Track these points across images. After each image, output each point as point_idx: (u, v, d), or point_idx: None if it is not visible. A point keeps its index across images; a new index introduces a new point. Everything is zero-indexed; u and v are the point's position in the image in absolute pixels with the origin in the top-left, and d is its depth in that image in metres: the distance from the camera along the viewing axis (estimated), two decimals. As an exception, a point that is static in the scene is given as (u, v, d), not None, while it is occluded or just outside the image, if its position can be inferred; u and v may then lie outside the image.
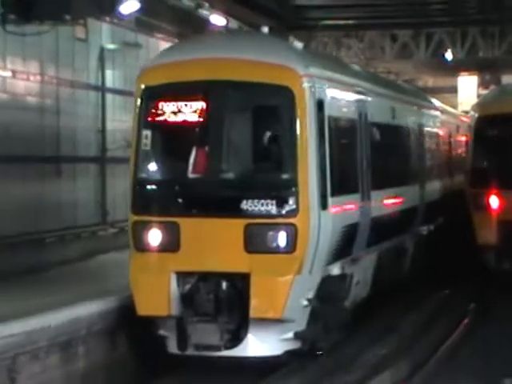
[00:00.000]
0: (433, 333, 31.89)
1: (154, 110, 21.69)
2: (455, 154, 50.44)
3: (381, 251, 30.09)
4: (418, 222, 37.00)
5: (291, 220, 20.24)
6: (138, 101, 22.20)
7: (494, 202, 38.17)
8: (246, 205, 20.18)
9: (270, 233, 20.22)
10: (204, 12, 39.20)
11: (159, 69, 22.45)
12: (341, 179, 23.79)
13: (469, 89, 65.81)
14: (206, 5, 37.57)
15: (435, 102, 48.74)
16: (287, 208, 20.25)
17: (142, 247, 21.38)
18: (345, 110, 25.19)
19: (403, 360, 27.34)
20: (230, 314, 20.54)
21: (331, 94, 23.21)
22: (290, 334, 21.23)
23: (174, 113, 21.42)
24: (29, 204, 32.93)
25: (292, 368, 25.97)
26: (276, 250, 20.31)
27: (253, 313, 19.75)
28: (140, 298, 20.86)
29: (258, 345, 20.91)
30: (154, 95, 21.83)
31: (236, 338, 20.78)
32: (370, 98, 28.40)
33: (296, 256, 20.35)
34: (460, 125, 52.68)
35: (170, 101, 21.45)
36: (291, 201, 20.26)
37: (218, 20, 39.80)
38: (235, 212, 20.60)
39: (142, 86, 22.12)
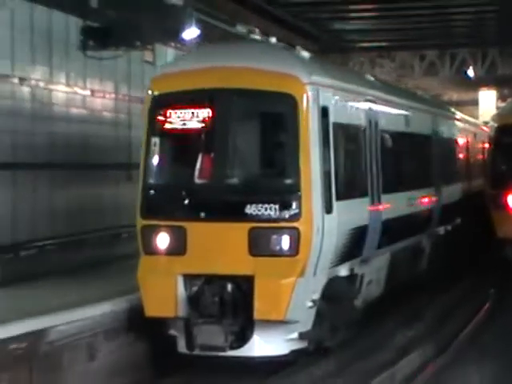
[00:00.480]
0: (457, 318, 31.44)
1: (162, 118, 20.69)
2: (475, 159, 49.22)
3: (394, 251, 28.56)
4: (434, 223, 35.10)
5: (294, 224, 19.11)
6: (147, 109, 21.30)
7: None
8: (250, 209, 19.14)
9: (274, 236, 19.10)
10: (255, 37, 37.24)
11: (167, 78, 21.46)
12: (347, 184, 22.62)
13: (488, 102, 65.68)
14: (257, 30, 36.56)
15: (456, 112, 47.00)
16: (290, 212, 19.12)
17: (150, 250, 20.36)
18: (352, 117, 23.54)
19: (430, 343, 27.19)
20: (235, 316, 19.46)
21: (337, 101, 21.76)
22: (295, 335, 20.00)
23: (181, 120, 20.42)
24: (106, 204, 34.13)
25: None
26: (279, 253, 19.14)
27: (257, 314, 18.76)
28: (148, 299, 19.96)
29: (264, 345, 19.81)
30: (162, 103, 20.84)
31: (242, 339, 19.71)
32: (381, 107, 26.92)
33: (299, 259, 19.13)
34: (479, 133, 52.16)
35: (177, 108, 20.46)
36: (294, 205, 19.15)
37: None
38: (240, 216, 19.46)
39: (151, 95, 21.22)
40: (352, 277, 23.29)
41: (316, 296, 19.83)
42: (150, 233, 20.08)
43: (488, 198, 39.59)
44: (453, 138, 42.39)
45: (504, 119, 41.23)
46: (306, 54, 21.87)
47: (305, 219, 18.80)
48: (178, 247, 19.66)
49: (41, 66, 29.35)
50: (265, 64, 19.94)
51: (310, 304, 19.53)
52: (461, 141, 46.13)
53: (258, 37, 36.48)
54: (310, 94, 19.53)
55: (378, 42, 52.26)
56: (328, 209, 19.80)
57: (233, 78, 19.97)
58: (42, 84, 29.31)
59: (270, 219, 18.97)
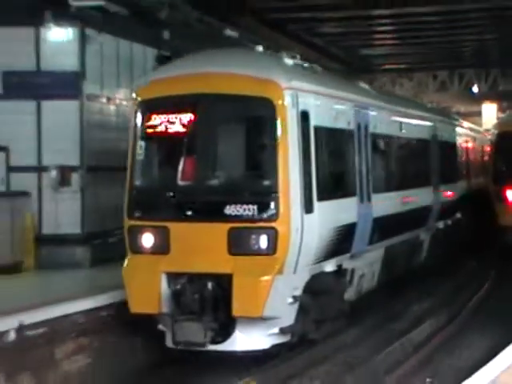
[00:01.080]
0: (465, 292, 31.46)
1: (147, 122, 18.78)
2: (479, 159, 49.01)
3: (389, 245, 26.20)
4: (433, 218, 32.63)
5: (272, 224, 17.21)
6: (134, 113, 19.45)
7: (511, 195, 38.66)
8: (229, 210, 17.36)
9: (252, 236, 17.25)
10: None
11: (153, 84, 19.36)
12: (331, 185, 20.56)
13: (490, 113, 65.44)
14: (298, 56, 32.37)
15: (459, 120, 45.58)
16: (268, 213, 17.29)
17: (136, 249, 18.48)
18: (338, 121, 20.90)
19: (440, 314, 27.25)
20: (215, 313, 17.51)
21: (319, 105, 19.44)
22: (276, 330, 17.99)
23: (165, 124, 18.50)
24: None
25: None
26: (257, 252, 17.20)
27: (235, 311, 16.96)
28: (133, 296, 18.18)
29: (245, 340, 17.89)
30: (147, 108, 18.89)
31: (223, 335, 17.88)
32: (373, 112, 24.47)
33: (276, 258, 17.20)
34: (482, 138, 52.66)
35: (161, 113, 18.55)
36: (272, 206, 17.27)
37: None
38: (219, 217, 17.58)
39: (137, 100, 19.38)
40: (341, 271, 21.42)
41: (298, 292, 18.05)
42: (135, 233, 18.49)
43: (491, 192, 40.16)
44: (454, 142, 40.54)
45: (503, 127, 42.54)
46: (289, 61, 19.79)
47: (282, 219, 17.14)
48: (162, 246, 18.05)
49: (124, 87, 30.32)
50: (245, 70, 18.19)
51: (291, 300, 17.77)
52: (463, 144, 45.01)
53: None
54: (288, 98, 17.71)
55: (398, 65, 52.33)
56: (308, 209, 17.96)
57: (214, 84, 18.31)
58: (124, 102, 30.15)
59: (248, 219, 17.31)
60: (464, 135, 46.09)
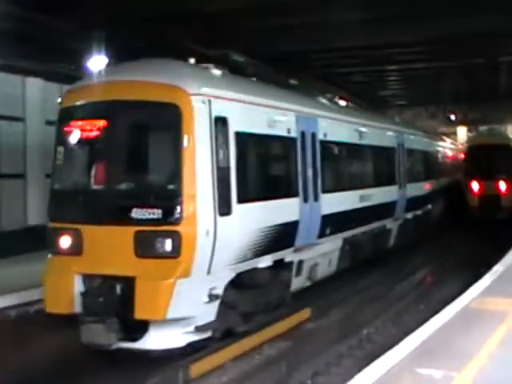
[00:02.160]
0: (442, 252, 29.91)
1: (64, 128, 14.66)
2: (454, 163, 46.12)
3: (348, 236, 21.13)
4: (400, 211, 26.64)
5: (175, 227, 12.94)
6: (56, 120, 15.36)
7: (475, 185, 38.76)
8: (135, 213, 13.17)
9: (156, 239, 13.11)
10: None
11: (73, 92, 15.20)
12: (260, 188, 15.83)
13: (462, 133, 65.05)
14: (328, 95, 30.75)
15: (429, 133, 38.34)
16: (172, 216, 13.05)
17: (54, 251, 14.29)
18: (272, 128, 16.09)
19: (427, 266, 26.68)
20: (120, 315, 13.07)
21: (244, 113, 14.85)
22: (192, 328, 13.40)
23: (80, 130, 14.37)
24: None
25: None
26: (161, 256, 13.03)
27: (137, 314, 12.73)
28: (48, 296, 14.04)
29: (159, 339, 13.22)
30: (66, 115, 14.81)
31: (133, 334, 13.27)
32: (323, 122, 19.15)
33: (180, 261, 12.88)
34: (457, 148, 50.91)
35: (76, 120, 14.49)
36: (175, 209, 13.01)
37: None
38: (126, 220, 13.31)
39: (59, 108, 15.28)
40: (284, 264, 16.82)
41: (217, 291, 13.71)
42: (54, 234, 14.25)
43: (462, 184, 40.21)
44: (425, 149, 33.87)
45: (471, 142, 43.96)
46: (214, 72, 15.09)
47: (187, 222, 12.86)
48: (76, 248, 13.78)
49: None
50: (156, 77, 13.94)
51: (207, 299, 13.38)
52: (438, 152, 39.90)
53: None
54: (196, 104, 13.28)
55: (402, 101, 51.87)
56: (225, 211, 13.53)
57: (123, 91, 14.09)
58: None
59: (153, 223, 13.09)
60: (438, 146, 41.40)
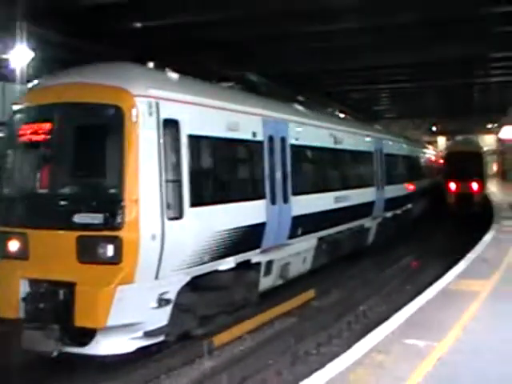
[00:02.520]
0: (424, 241, 29.83)
1: (13, 132, 12.41)
2: (437, 166, 45.80)
3: (325, 235, 18.74)
4: (379, 210, 24.17)
5: (116, 233, 10.79)
6: (5, 124, 13.50)
7: (453, 185, 39.05)
8: (78, 218, 10.98)
9: (98, 245, 10.87)
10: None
11: (25, 95, 13.04)
12: (219, 191, 13.30)
13: (441, 141, 64.98)
14: (329, 109, 29.30)
15: (409, 140, 35.08)
16: (113, 221, 10.86)
17: (3, 255, 11.85)
18: (234, 132, 13.58)
19: (412, 254, 26.23)
20: (63, 321, 10.84)
21: (199, 116, 12.42)
22: (140, 334, 11.19)
23: (26, 134, 12.07)
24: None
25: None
26: (103, 261, 10.82)
27: (76, 321, 10.63)
28: None
29: (107, 344, 10.93)
30: (15, 118, 12.55)
31: (84, 339, 10.99)
32: (295, 127, 16.85)
33: (122, 267, 10.68)
34: (438, 154, 50.56)
35: (24, 123, 12.23)
36: (117, 214, 10.80)
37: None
38: (69, 225, 11.05)
39: (11, 110, 13.01)
40: (251, 265, 14.50)
41: (169, 295, 11.48)
42: (2, 238, 11.85)
43: (443, 184, 40.29)
44: (405, 154, 30.84)
45: (449, 149, 43.86)
46: (170, 75, 12.75)
47: (129, 228, 10.53)
48: (22, 253, 11.49)
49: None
50: (102, 79, 11.70)
51: (155, 305, 11.19)
52: (418, 157, 37.57)
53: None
54: (141, 106, 11.00)
55: (392, 114, 51.68)
56: (175, 215, 11.24)
57: (69, 93, 11.78)
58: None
59: (94, 228, 10.85)
60: (420, 152, 39.80)
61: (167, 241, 11.01)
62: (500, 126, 54.51)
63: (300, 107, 19.30)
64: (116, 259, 10.58)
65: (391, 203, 25.85)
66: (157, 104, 11.21)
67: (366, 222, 23.12)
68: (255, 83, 21.64)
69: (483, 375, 8.00)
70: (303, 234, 16.77)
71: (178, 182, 11.53)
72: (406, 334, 9.77)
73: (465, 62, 28.01)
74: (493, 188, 49.23)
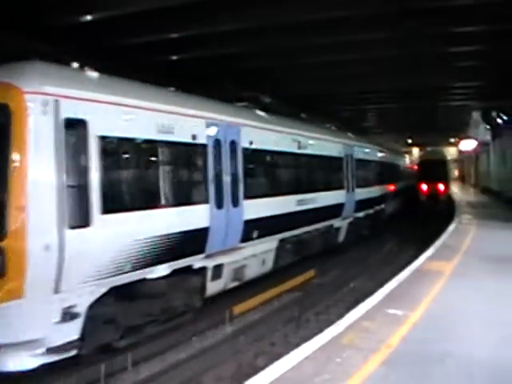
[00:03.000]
0: (400, 231, 29.42)
1: None
2: (411, 171, 45.02)
3: (287, 237, 15.61)
4: (349, 211, 20.90)
5: None
6: None
7: (424, 186, 39.17)
8: None
9: None
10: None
11: None
12: (145, 196, 10.04)
13: (415, 151, 64.87)
14: (328, 125, 27.47)
15: (382, 148, 30.70)
16: None
17: None
18: (163, 133, 10.31)
19: (391, 242, 26.22)
20: None
21: (113, 116, 9.28)
22: (42, 350, 8.13)
23: None
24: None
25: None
26: None
27: None
28: None
29: (7, 360, 7.98)
30: None
31: None
32: (250, 132, 13.48)
33: (6, 281, 7.55)
34: (412, 161, 50.60)
35: None
36: (0, 224, 7.68)
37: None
38: None
39: None
40: (194, 271, 11.41)
41: (77, 309, 8.52)
42: None
43: (416, 185, 40.11)
44: (377, 160, 27.54)
45: (421, 158, 44.27)
46: (87, 74, 9.76)
47: (14, 237, 7.55)
48: None
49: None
50: None
51: (58, 319, 8.23)
52: (390, 163, 33.32)
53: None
54: (33, 103, 7.95)
55: (378, 129, 51.19)
56: (80, 223, 8.34)
57: None
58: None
59: None
60: (396, 159, 36.95)
61: (69, 251, 8.12)
62: (460, 140, 55.61)
63: (261, 113, 15.96)
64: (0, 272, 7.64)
65: (362, 204, 23.00)
66: (56, 102, 8.25)
67: (336, 223, 20.11)
68: (267, 103, 21.55)
69: (447, 334, 8.08)
70: (260, 236, 13.69)
71: (83, 188, 8.52)
72: (387, 305, 9.74)
73: (432, 89, 28.43)
74: (455, 189, 49.88)
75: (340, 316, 10.04)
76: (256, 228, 13.43)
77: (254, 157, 13.82)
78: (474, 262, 13.76)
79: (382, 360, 7.04)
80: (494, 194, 40.13)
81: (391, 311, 9.35)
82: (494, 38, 18.31)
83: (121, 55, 18.53)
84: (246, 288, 14.14)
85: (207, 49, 19.18)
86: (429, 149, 52.15)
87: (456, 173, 73.64)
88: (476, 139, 48.61)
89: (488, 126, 40.05)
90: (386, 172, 29.89)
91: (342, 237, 21.26)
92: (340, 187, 20.38)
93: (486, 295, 10.41)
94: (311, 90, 27.46)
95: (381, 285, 12.17)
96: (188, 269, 11.17)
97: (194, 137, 11.26)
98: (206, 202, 11.51)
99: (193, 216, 11.06)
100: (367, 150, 25.70)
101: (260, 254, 14.35)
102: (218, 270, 12.28)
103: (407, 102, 33.13)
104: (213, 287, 12.31)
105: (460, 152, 65.10)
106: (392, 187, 32.25)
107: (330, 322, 9.77)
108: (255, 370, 8.11)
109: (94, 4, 14.67)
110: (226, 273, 12.69)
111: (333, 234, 20.21)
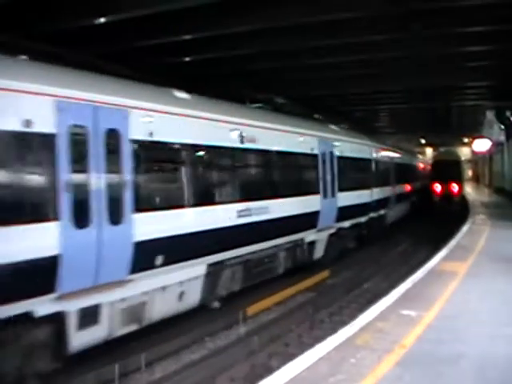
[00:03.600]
0: (413, 232, 29.65)
1: None
2: (424, 171, 44.38)
3: (224, 258, 11.86)
4: (327, 221, 16.50)
5: None
6: None
7: (437, 187, 39.20)
8: None
9: None
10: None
11: None
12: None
13: (429, 151, 64.54)
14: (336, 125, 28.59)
15: (388, 148, 28.29)
16: None
17: None
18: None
19: (405, 243, 26.46)
20: None
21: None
22: None
23: None
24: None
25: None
26: None
27: None
28: None
29: None
30: None
31: None
32: (123, 114, 8.69)
33: None
34: (425, 161, 50.01)
35: None
36: None
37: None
38: None
39: None
40: (35, 322, 7.60)
41: None
42: None
43: (429, 186, 40.18)
44: (374, 159, 23.29)
45: (435, 158, 44.26)
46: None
47: None
48: None
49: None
50: None
51: None
52: (395, 162, 29.20)
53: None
54: None
55: (389, 129, 51.07)
56: None
57: None
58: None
59: None
60: (404, 158, 33.73)
61: None
62: (473, 140, 55.20)
63: (182, 94, 11.41)
64: None
65: (349, 212, 18.84)
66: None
67: (309, 236, 16.17)
68: (280, 104, 21.53)
69: (461, 335, 8.04)
70: (169, 262, 9.89)
71: None
72: (401, 306, 9.69)
73: (443, 89, 28.35)
74: (468, 189, 49.64)
75: (353, 317, 9.99)
76: (158, 252, 9.62)
77: (152, 153, 9.74)
78: (488, 263, 13.64)
79: (396, 361, 7.00)
80: (508, 194, 39.79)
81: (405, 312, 9.28)
82: (502, 38, 18.26)
83: (133, 57, 18.69)
84: (260, 289, 14.18)
85: (219, 50, 19.24)
86: (442, 149, 52.06)
87: (470, 173, 73.73)
88: (490, 139, 48.38)
89: (502, 126, 39.84)
90: (389, 172, 26.73)
91: (319, 252, 17.29)
92: (312, 192, 16.18)
93: (500, 296, 10.31)
94: (321, 90, 27.44)
95: (395, 285, 12.14)
96: (26, 318, 7.55)
97: (26, 123, 7.33)
98: (55, 218, 7.71)
99: (25, 241, 7.23)
100: (360, 147, 21.46)
101: (174, 286, 10.54)
102: (89, 313, 8.58)
103: (419, 102, 33.02)
104: (86, 337, 8.60)
105: (473, 152, 64.70)
106: (399, 189, 29.16)
107: (344, 323, 9.78)
108: (269, 371, 8.14)
109: (107, 7, 14.79)
110: (109, 316, 9.00)
111: (305, 250, 16.21)
